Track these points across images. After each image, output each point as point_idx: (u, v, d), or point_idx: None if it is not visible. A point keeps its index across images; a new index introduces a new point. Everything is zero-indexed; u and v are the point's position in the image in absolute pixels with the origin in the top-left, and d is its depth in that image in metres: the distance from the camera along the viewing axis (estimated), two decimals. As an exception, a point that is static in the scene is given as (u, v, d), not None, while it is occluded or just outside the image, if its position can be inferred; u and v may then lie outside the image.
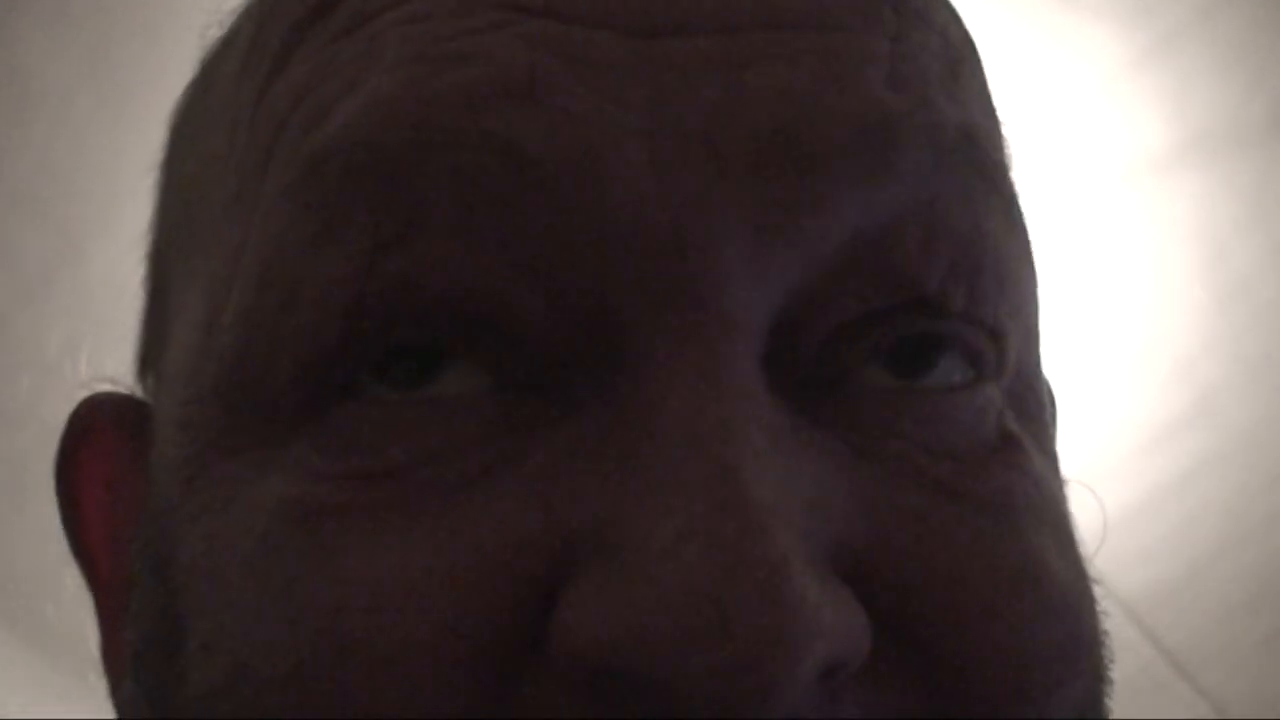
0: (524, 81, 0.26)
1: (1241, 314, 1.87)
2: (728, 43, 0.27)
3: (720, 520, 0.23)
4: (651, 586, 0.22)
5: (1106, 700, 0.30)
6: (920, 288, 0.27)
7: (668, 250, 0.25)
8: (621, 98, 0.26)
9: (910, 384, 0.28)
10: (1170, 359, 1.92)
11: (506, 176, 0.26)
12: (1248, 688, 2.44)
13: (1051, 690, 0.27)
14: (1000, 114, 0.33)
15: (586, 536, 0.24)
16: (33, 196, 1.56)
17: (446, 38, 0.27)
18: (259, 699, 0.25)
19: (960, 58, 0.30)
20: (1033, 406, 0.31)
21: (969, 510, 0.27)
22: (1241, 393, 1.98)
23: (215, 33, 0.35)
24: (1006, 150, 0.32)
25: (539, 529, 0.25)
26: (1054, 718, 0.27)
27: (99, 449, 0.36)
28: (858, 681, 0.25)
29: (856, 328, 0.27)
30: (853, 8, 0.28)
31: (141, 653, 0.29)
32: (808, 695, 0.23)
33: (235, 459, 0.27)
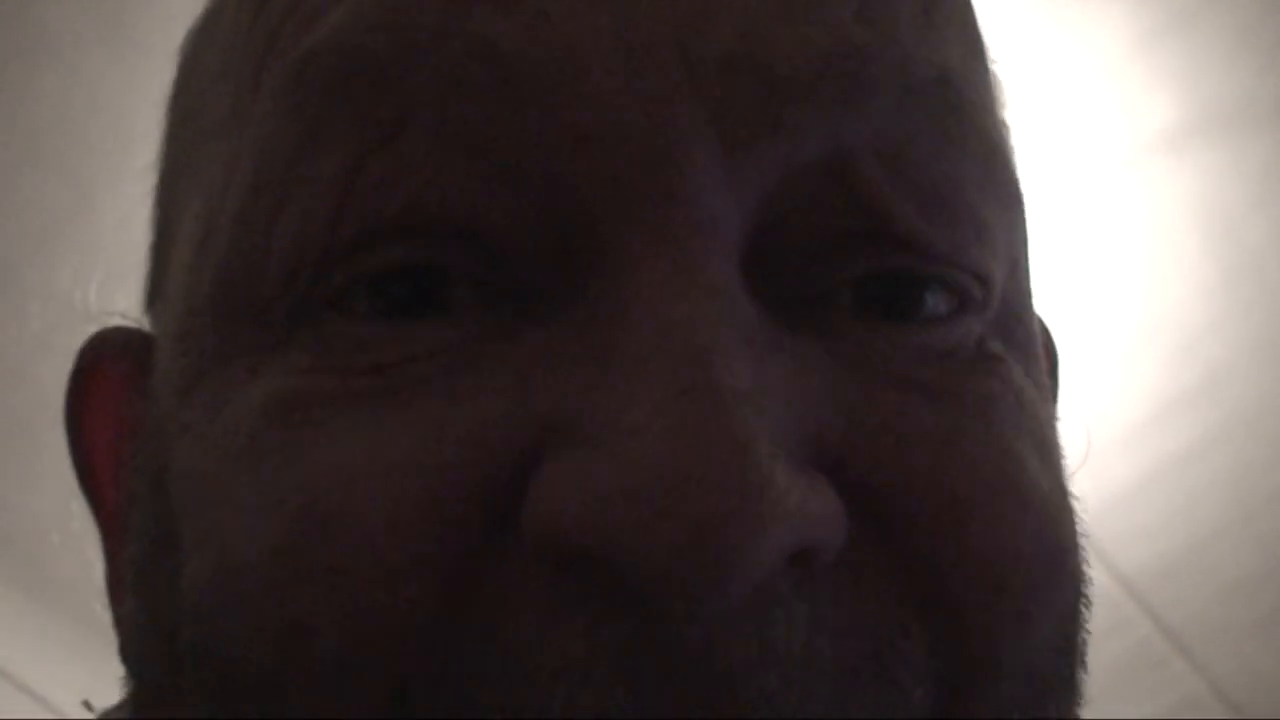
0: None
1: (1249, 292, 1.87)
2: None
3: (687, 401, 0.23)
4: (614, 464, 0.23)
5: (1085, 617, 0.30)
6: (889, 224, 0.27)
7: (639, 150, 0.26)
8: (595, 1, 0.26)
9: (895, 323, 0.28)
10: (1177, 336, 1.92)
11: (485, 77, 0.26)
12: (1246, 665, 2.45)
13: (1031, 591, 0.27)
14: (989, 53, 0.33)
15: (559, 424, 0.24)
16: (44, 147, 1.56)
17: None
18: (243, 581, 0.25)
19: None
20: (1020, 336, 0.31)
21: (949, 410, 0.27)
22: (1247, 371, 1.98)
23: None
24: (989, 88, 0.32)
25: (514, 417, 0.25)
26: (1034, 618, 0.27)
27: (107, 382, 0.37)
28: (834, 571, 0.25)
29: (836, 248, 0.28)
30: None
31: (140, 565, 0.30)
32: (776, 578, 0.23)
33: (227, 366, 0.28)
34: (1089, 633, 0.30)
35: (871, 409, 0.26)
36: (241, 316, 0.28)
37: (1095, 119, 1.65)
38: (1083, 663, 0.30)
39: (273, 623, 0.25)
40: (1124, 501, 2.10)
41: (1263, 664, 2.45)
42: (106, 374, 0.37)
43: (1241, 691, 2.50)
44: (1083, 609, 0.29)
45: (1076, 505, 0.30)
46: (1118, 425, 2.01)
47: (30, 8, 1.45)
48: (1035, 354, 0.32)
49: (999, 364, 0.29)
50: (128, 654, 0.32)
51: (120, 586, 0.34)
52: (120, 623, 0.34)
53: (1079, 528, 0.30)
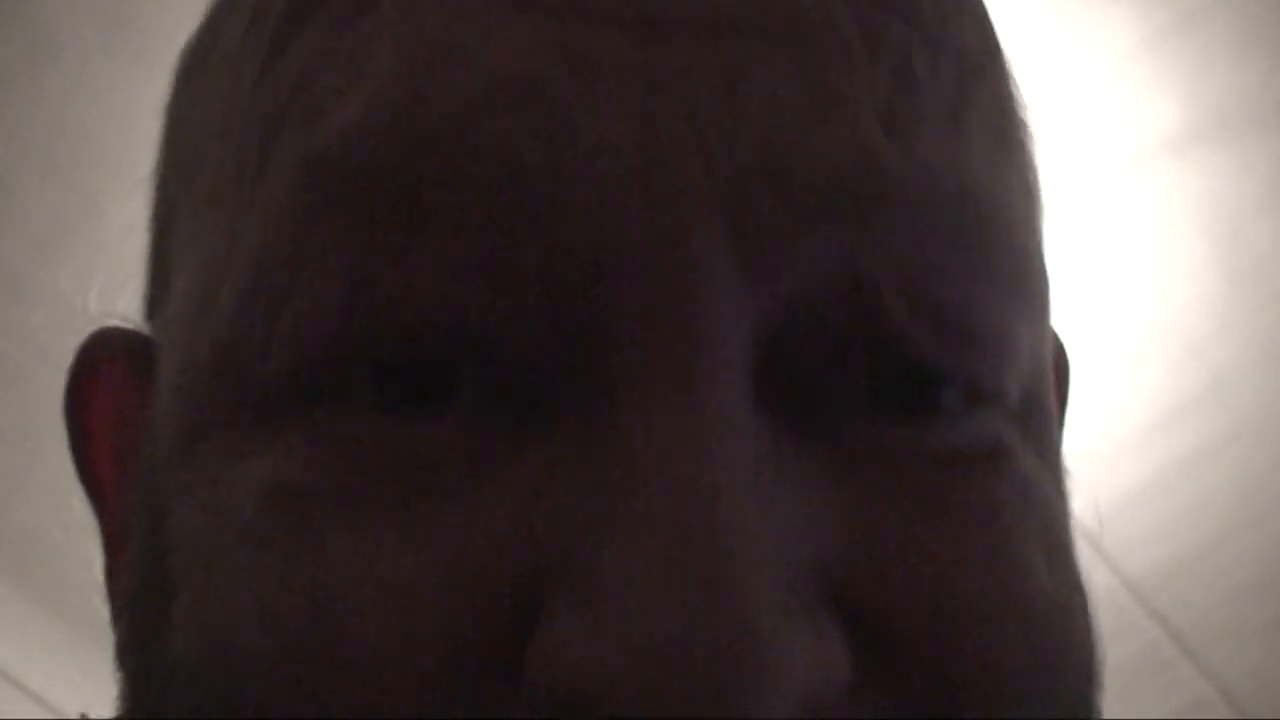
0: (525, 84, 0.26)
1: (1255, 296, 1.87)
2: (729, 49, 0.26)
3: (690, 571, 0.23)
4: (618, 631, 0.23)
5: (1097, 703, 0.29)
6: (902, 346, 0.27)
7: (655, 271, 0.25)
8: (621, 103, 0.26)
9: (907, 419, 0.28)
10: (1183, 340, 1.91)
11: (500, 188, 0.25)
12: (1254, 668, 2.45)
13: (1034, 700, 0.27)
14: (1025, 125, 0.32)
15: (562, 561, 0.24)
16: (48, 152, 1.56)
17: (445, 36, 0.26)
18: (240, 674, 0.25)
19: (973, 84, 0.29)
20: (1035, 421, 0.30)
21: (953, 521, 0.27)
22: (1253, 374, 1.98)
23: None
24: (1021, 176, 0.31)
25: (518, 547, 0.25)
26: None
27: (108, 379, 0.37)
28: (839, 701, 0.25)
29: (848, 360, 0.27)
30: (861, 21, 0.27)
31: (134, 602, 0.30)
32: None
33: (228, 432, 0.28)
34: (1100, 713, 0.30)
35: (873, 525, 0.26)
36: (240, 389, 0.27)
37: (1100, 122, 1.64)
38: None
39: None
40: (1131, 505, 2.10)
41: (1270, 667, 2.45)
42: (107, 372, 0.37)
43: (1249, 695, 2.49)
44: (1094, 694, 0.29)
45: (1085, 593, 0.30)
46: (1124, 429, 2.01)
47: (34, 13, 1.45)
48: (1049, 433, 0.31)
49: (1010, 461, 0.28)
50: (120, 662, 0.32)
51: (117, 582, 0.34)
52: (117, 626, 0.34)
53: (1090, 619, 0.29)
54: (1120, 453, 2.03)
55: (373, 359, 0.26)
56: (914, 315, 0.27)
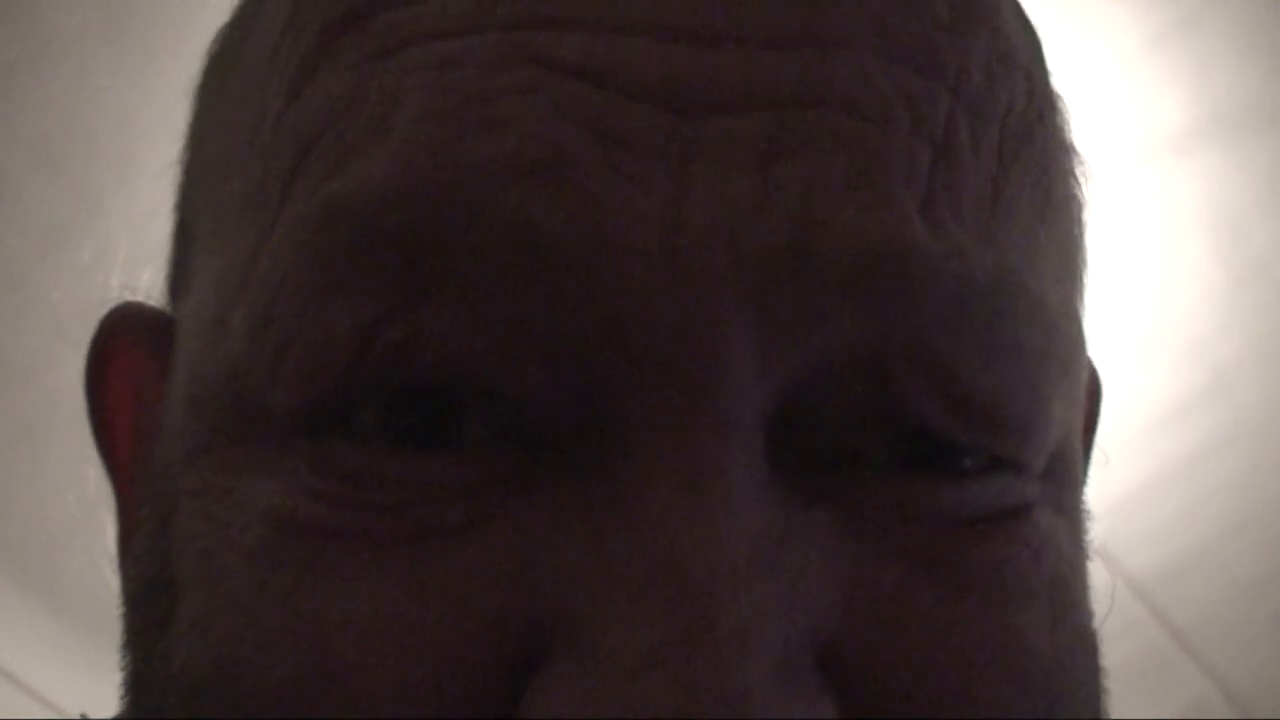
0: (548, 159, 0.25)
1: (1257, 294, 1.87)
2: (765, 122, 0.26)
3: (685, 649, 0.23)
4: (613, 697, 0.23)
5: None
6: (921, 425, 0.27)
7: (670, 347, 0.25)
8: (649, 184, 0.25)
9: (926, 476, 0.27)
10: (1185, 338, 1.91)
11: (521, 258, 0.25)
12: (1256, 667, 2.45)
13: None
14: (1075, 166, 0.31)
15: (562, 616, 0.25)
16: (50, 151, 1.56)
17: (475, 97, 0.26)
18: (247, 701, 0.26)
19: (1018, 146, 0.29)
20: (1061, 474, 0.30)
21: (950, 588, 0.27)
22: (1255, 373, 1.97)
23: None
24: (1059, 251, 0.30)
25: (520, 597, 0.25)
26: None
27: (128, 353, 0.37)
28: None
29: (865, 428, 0.27)
30: (903, 88, 0.27)
31: (138, 597, 0.30)
32: None
33: (235, 448, 0.28)
34: None
35: (876, 589, 0.26)
36: (248, 412, 0.28)
37: (1102, 121, 1.64)
38: None
39: None
40: (1132, 504, 2.10)
41: (1272, 667, 2.45)
42: (127, 347, 0.37)
43: (1251, 693, 2.49)
44: None
45: (1093, 644, 0.30)
46: (1126, 429, 2.00)
47: (35, 11, 1.45)
48: (1073, 485, 0.31)
49: (1027, 521, 0.28)
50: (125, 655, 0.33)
51: (127, 565, 0.35)
52: (124, 609, 0.34)
53: (1094, 673, 0.29)
54: (1122, 452, 2.02)
55: (381, 391, 0.26)
56: (934, 396, 0.27)
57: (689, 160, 0.25)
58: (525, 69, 0.26)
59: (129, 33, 1.46)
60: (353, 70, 0.28)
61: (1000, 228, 0.27)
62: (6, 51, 1.48)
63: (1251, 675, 2.46)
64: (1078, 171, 0.32)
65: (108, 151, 1.54)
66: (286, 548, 0.26)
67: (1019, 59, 0.30)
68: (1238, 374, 1.97)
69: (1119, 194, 1.72)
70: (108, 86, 1.49)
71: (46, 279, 1.66)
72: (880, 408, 0.27)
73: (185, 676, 0.27)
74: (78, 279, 1.62)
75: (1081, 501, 0.32)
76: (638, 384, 0.25)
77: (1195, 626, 2.33)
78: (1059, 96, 0.31)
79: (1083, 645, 0.29)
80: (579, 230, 0.25)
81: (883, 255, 0.26)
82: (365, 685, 0.25)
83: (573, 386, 0.26)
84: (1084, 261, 0.33)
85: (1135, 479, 2.08)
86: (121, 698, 0.31)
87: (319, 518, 0.26)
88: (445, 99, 0.26)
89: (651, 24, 0.26)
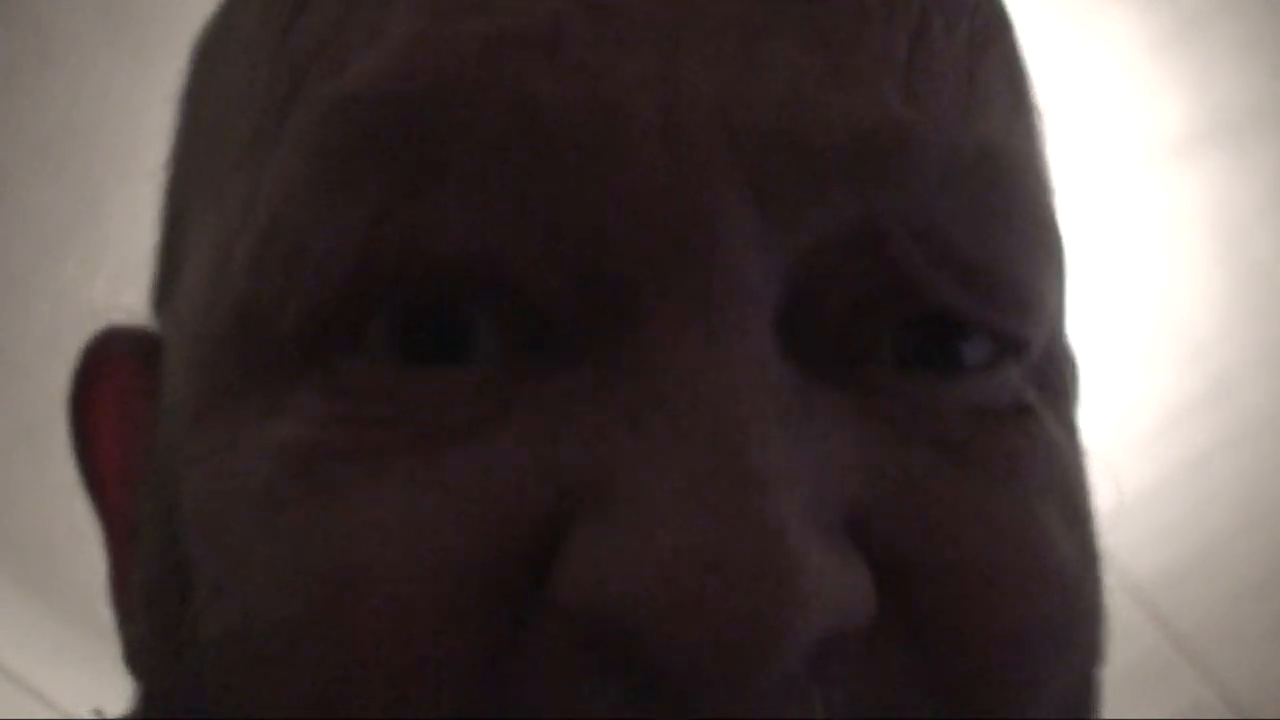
0: (545, 33, 0.26)
1: (1259, 298, 1.87)
2: (746, 8, 0.26)
3: (719, 483, 0.23)
4: (649, 549, 0.22)
5: (1099, 678, 0.29)
6: (923, 296, 0.27)
7: (678, 214, 0.25)
8: (641, 54, 0.26)
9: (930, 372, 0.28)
10: (1187, 342, 1.91)
11: (521, 131, 0.25)
12: (1256, 671, 2.45)
13: (1044, 663, 0.27)
14: (1032, 91, 0.32)
15: (587, 485, 0.24)
16: (52, 149, 1.56)
17: None
18: (273, 641, 0.25)
19: (986, 44, 0.30)
20: (1054, 380, 0.31)
21: (975, 474, 0.27)
22: (1257, 377, 1.97)
23: None
24: (1033, 138, 0.31)
25: (543, 476, 0.25)
26: (1043, 689, 0.27)
27: (113, 381, 0.36)
28: (855, 655, 0.25)
29: (871, 311, 0.27)
30: None
31: (151, 595, 0.30)
32: (801, 662, 0.23)
33: (241, 401, 0.27)
34: (1101, 693, 0.30)
35: (901, 473, 0.26)
36: (256, 352, 0.27)
37: (1106, 125, 1.64)
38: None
39: (304, 692, 0.25)
40: (1133, 508, 2.10)
41: (1272, 670, 2.45)
42: (112, 372, 0.37)
43: (1250, 697, 2.49)
44: (1097, 667, 0.29)
45: (1100, 563, 0.30)
46: (1128, 432, 2.01)
47: (36, 12, 1.45)
48: (1066, 395, 0.31)
49: (1031, 418, 0.28)
50: (136, 665, 0.32)
51: (123, 588, 0.34)
52: (126, 631, 0.34)
53: (1100, 588, 0.29)
54: (1124, 456, 2.03)
55: (390, 300, 0.26)
56: (934, 265, 0.27)
57: (679, 29, 0.26)
58: None
59: (129, 34, 1.46)
60: (339, 3, 0.28)
61: (979, 107, 0.28)
62: (7, 52, 1.48)
63: (1251, 678, 2.46)
64: (1036, 98, 0.33)
65: (109, 151, 1.54)
66: (294, 483, 0.26)
67: None
68: (1240, 378, 1.97)
69: (1122, 198, 1.72)
70: (108, 87, 1.50)
71: (48, 278, 1.66)
72: (884, 285, 0.27)
73: (208, 638, 0.27)
74: (79, 278, 1.62)
75: (1077, 422, 0.32)
76: (645, 255, 0.25)
77: (1195, 630, 2.33)
78: (1013, 22, 0.33)
79: (1093, 559, 0.29)
80: (576, 99, 0.25)
81: (869, 134, 0.26)
82: (389, 594, 0.24)
83: (579, 264, 0.26)
84: (1052, 178, 0.33)
85: (1136, 483, 2.08)
86: (139, 702, 0.31)
87: (328, 440, 0.26)
88: None
89: None
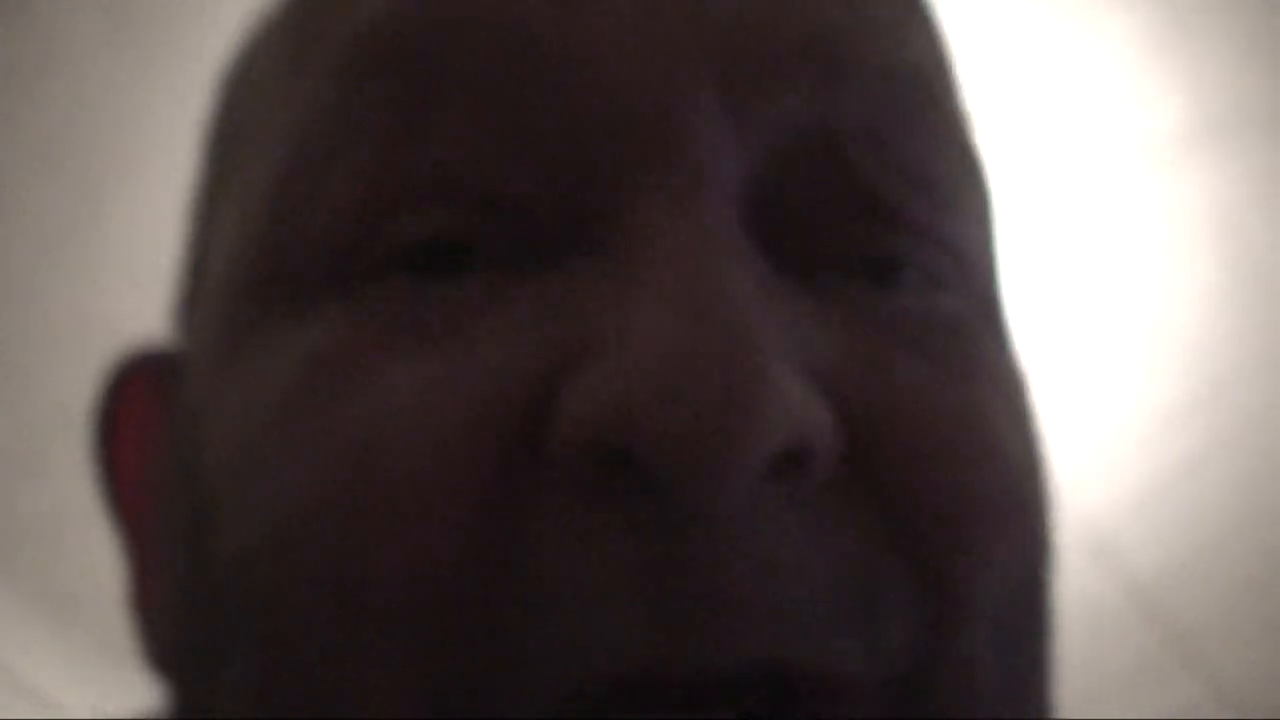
0: None
1: (1257, 298, 1.87)
2: None
3: (697, 304, 0.25)
4: (635, 360, 0.25)
5: (1049, 572, 0.32)
6: (875, 195, 0.30)
7: (649, 117, 0.28)
8: None
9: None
10: (1182, 342, 1.92)
11: (514, 56, 0.29)
12: (1253, 670, 2.45)
13: (995, 538, 0.29)
14: (957, 74, 0.35)
15: (583, 342, 0.26)
16: (53, 154, 1.56)
17: None
18: (296, 524, 0.27)
19: (913, 7, 0.34)
20: (995, 316, 0.33)
21: (930, 364, 0.29)
22: (1253, 377, 1.98)
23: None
24: (958, 96, 0.35)
25: (541, 341, 0.27)
26: (997, 565, 0.29)
27: (135, 402, 0.38)
28: (820, 496, 0.27)
29: (828, 219, 0.30)
30: None
31: (177, 552, 0.31)
32: (770, 488, 0.26)
33: (266, 325, 0.30)
34: (1056, 602, 0.32)
35: (856, 347, 0.29)
36: (280, 286, 0.30)
37: (1102, 124, 1.65)
38: (1051, 630, 0.32)
39: (329, 563, 0.26)
40: (1131, 508, 2.10)
41: (1270, 669, 2.45)
42: (134, 393, 0.38)
43: (1248, 697, 2.49)
44: (1046, 573, 0.31)
45: (1045, 465, 0.32)
46: (1125, 434, 2.01)
47: (38, 15, 1.45)
48: (1007, 330, 0.34)
49: (975, 339, 0.31)
50: (158, 659, 0.34)
51: (142, 600, 0.36)
52: (147, 630, 0.35)
53: (1049, 495, 0.32)
54: (1121, 457, 2.03)
55: (399, 235, 0.29)
56: (882, 167, 0.30)
57: None
58: None
59: (131, 37, 1.46)
60: None
61: (912, 41, 0.32)
62: (7, 54, 1.48)
63: (1249, 680, 2.46)
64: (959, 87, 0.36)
65: (109, 154, 1.54)
66: (317, 376, 0.28)
67: None
68: (1238, 378, 1.97)
69: (1119, 198, 1.72)
70: (109, 90, 1.50)
71: (48, 282, 1.66)
72: (838, 186, 0.30)
73: (233, 560, 0.28)
74: (79, 282, 1.62)
75: (1016, 359, 0.35)
76: (623, 157, 0.28)
77: (1193, 631, 2.33)
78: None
79: (1037, 457, 0.32)
80: (561, 25, 0.29)
81: (817, 34, 0.30)
82: (403, 460, 0.26)
83: (566, 173, 0.29)
84: (979, 153, 0.36)
85: (1134, 484, 2.08)
86: (173, 701, 0.32)
87: (346, 342, 0.28)
88: None
89: None
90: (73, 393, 1.65)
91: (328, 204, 0.29)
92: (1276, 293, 1.87)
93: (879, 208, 0.30)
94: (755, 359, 0.24)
